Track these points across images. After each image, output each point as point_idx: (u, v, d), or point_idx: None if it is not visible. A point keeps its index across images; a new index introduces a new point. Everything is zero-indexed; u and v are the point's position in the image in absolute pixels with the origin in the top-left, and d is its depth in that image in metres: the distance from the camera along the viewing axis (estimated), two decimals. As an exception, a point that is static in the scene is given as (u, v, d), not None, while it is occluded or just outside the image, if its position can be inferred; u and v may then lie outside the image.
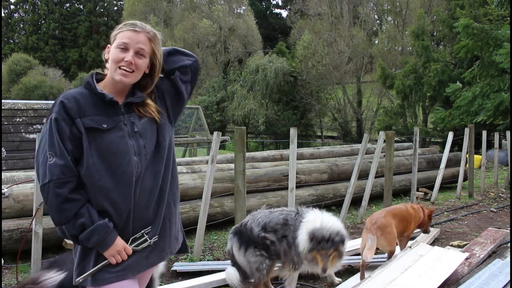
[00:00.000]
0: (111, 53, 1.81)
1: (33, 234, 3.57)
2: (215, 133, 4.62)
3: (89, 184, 1.74)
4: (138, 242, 1.79)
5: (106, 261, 1.75)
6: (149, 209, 1.82)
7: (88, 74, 1.91)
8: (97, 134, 1.74)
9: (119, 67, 1.78)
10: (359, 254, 4.70)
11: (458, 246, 4.86)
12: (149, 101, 1.88)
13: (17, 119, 7.88)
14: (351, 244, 4.90)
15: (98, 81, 1.85)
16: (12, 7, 45.75)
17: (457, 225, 6.22)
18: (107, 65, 1.84)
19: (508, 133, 10.03)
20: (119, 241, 1.76)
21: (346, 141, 21.43)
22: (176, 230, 1.97)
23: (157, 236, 1.83)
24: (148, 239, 1.80)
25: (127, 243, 1.78)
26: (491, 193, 8.85)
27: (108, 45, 1.85)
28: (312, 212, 3.33)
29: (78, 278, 1.76)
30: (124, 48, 1.78)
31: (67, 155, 1.71)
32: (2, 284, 3.90)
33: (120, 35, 1.80)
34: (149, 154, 1.83)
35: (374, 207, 7.27)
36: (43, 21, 44.62)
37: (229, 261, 3.51)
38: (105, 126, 1.75)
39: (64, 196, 1.70)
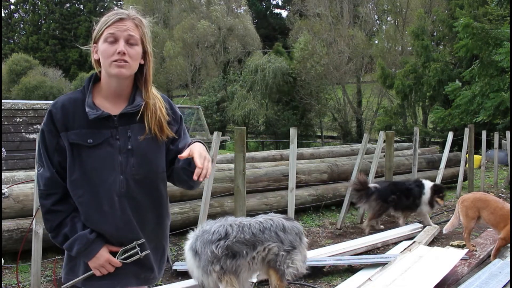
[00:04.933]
0: (100, 49, 1.68)
1: (33, 234, 3.56)
2: (215, 133, 4.62)
3: (73, 198, 1.70)
4: (128, 254, 1.71)
5: (91, 271, 1.72)
6: (139, 231, 1.74)
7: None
8: (82, 150, 1.66)
9: (113, 61, 1.64)
10: (358, 254, 4.71)
11: (458, 246, 4.87)
12: (155, 111, 1.73)
13: (17, 119, 7.89)
14: (350, 245, 4.92)
15: (99, 80, 1.76)
16: (12, 7, 45.72)
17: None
18: (99, 65, 1.72)
19: (508, 133, 10.03)
20: (103, 254, 1.68)
21: (346, 141, 21.43)
22: (164, 257, 1.90)
23: (148, 251, 1.74)
24: (139, 252, 1.71)
25: (118, 256, 1.72)
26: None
27: (94, 45, 1.72)
28: None
29: (65, 285, 1.75)
30: (113, 40, 1.65)
31: (52, 168, 1.68)
32: (2, 284, 3.90)
33: (106, 29, 1.67)
34: (140, 175, 1.71)
35: (374, 207, 7.27)
36: (43, 21, 44.58)
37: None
38: (91, 141, 1.66)
39: (47, 207, 1.70)
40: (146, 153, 1.73)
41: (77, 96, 1.73)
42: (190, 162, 1.71)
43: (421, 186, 5.79)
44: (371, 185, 5.85)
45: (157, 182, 1.77)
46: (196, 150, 1.65)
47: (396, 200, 5.72)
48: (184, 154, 1.65)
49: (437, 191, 5.76)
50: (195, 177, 1.61)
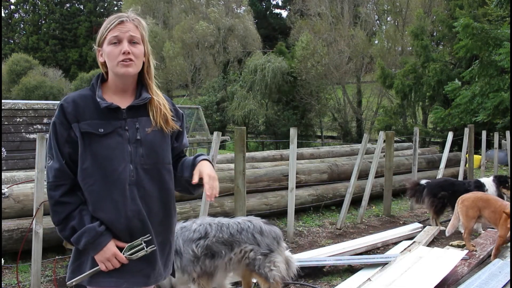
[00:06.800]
0: (105, 52, 1.76)
1: (33, 234, 3.57)
2: (215, 133, 4.62)
3: (83, 188, 1.74)
4: (134, 250, 1.72)
5: (98, 267, 1.72)
6: (148, 221, 1.76)
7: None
8: (93, 139, 1.72)
9: (119, 61, 1.74)
10: (358, 254, 4.71)
11: (458, 246, 4.87)
12: (159, 106, 1.82)
13: (18, 119, 7.89)
14: (350, 245, 4.92)
15: (106, 80, 1.83)
16: (12, 7, 45.72)
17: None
18: (105, 67, 1.80)
19: (507, 133, 10.03)
20: (110, 248, 1.71)
21: (346, 141, 21.42)
22: (171, 254, 1.90)
23: (154, 246, 1.76)
24: (145, 247, 1.72)
25: (124, 251, 1.72)
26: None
27: (98, 48, 1.80)
28: None
29: (71, 281, 1.76)
30: (117, 42, 1.74)
31: (61, 159, 1.73)
32: (2, 284, 3.90)
33: (109, 33, 1.76)
34: (148, 165, 1.78)
35: (374, 207, 7.28)
36: (43, 21, 44.59)
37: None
38: (102, 130, 1.72)
39: (56, 199, 1.73)
40: (154, 144, 1.80)
41: (87, 92, 1.81)
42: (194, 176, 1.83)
43: (480, 186, 5.84)
44: (422, 181, 6.09)
45: (164, 172, 1.82)
46: (205, 173, 1.79)
47: (448, 196, 5.72)
48: (195, 178, 1.79)
49: (502, 182, 5.80)
50: (208, 199, 1.84)
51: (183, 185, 1.93)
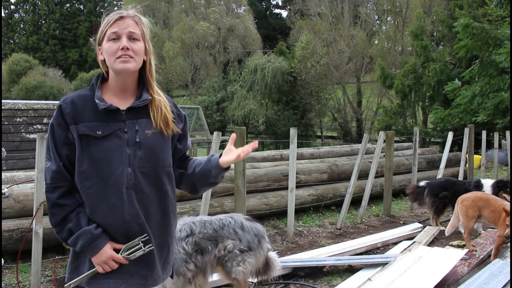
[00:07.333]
0: (104, 48, 1.73)
1: (33, 234, 3.57)
2: (215, 133, 4.62)
3: (80, 191, 1.72)
4: (131, 250, 1.71)
5: (95, 269, 1.72)
6: (146, 224, 1.74)
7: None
8: (91, 141, 1.69)
9: (117, 58, 1.70)
10: (358, 254, 4.71)
11: (458, 246, 4.87)
12: (160, 106, 1.79)
13: (17, 119, 7.89)
14: (350, 245, 4.92)
15: (106, 80, 1.80)
16: (12, 7, 45.71)
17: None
18: (105, 65, 1.77)
19: (507, 133, 10.03)
20: (106, 251, 1.69)
21: (346, 141, 21.43)
22: (169, 257, 1.89)
23: (152, 245, 1.74)
24: (142, 247, 1.71)
25: (122, 252, 1.71)
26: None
27: (99, 47, 1.77)
28: None
29: (69, 283, 1.75)
30: (116, 38, 1.71)
31: (59, 161, 1.71)
32: (2, 284, 3.90)
33: (109, 29, 1.73)
34: (147, 168, 1.74)
35: (374, 207, 7.28)
36: (43, 21, 44.59)
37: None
38: (100, 133, 1.69)
39: (53, 201, 1.71)
40: (153, 147, 1.76)
41: (86, 93, 1.78)
42: (209, 172, 1.85)
43: (479, 186, 5.86)
44: (421, 183, 6.11)
45: (162, 175, 1.79)
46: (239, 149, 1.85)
47: (450, 196, 5.70)
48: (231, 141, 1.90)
49: (501, 186, 5.78)
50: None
51: (190, 182, 1.92)
